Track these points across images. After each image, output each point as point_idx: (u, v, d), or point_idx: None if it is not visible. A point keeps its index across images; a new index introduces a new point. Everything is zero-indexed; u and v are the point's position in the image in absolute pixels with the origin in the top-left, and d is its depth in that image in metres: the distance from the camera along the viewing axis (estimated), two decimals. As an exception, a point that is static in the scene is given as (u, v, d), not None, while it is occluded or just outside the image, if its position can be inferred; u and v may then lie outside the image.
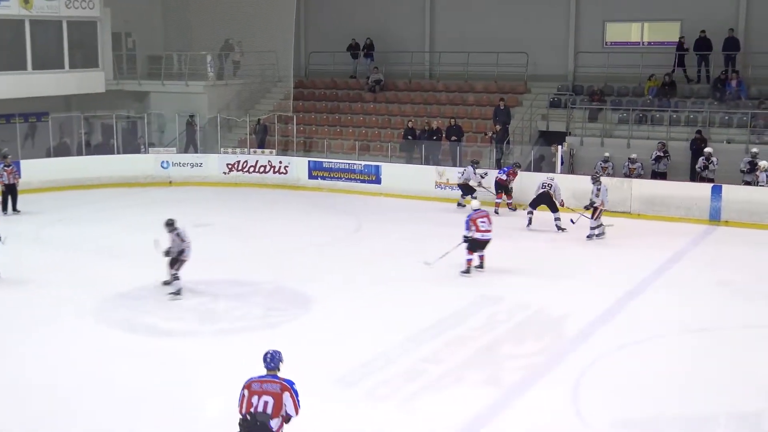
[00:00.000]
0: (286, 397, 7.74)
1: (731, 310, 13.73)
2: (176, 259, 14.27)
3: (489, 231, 15.61)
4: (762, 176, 20.40)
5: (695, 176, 21.93)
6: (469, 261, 15.68)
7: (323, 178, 25.57)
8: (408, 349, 11.70)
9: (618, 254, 17.57)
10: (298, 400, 7.82)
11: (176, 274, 14.24)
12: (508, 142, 24.97)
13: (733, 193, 20.54)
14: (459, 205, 22.30)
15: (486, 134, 25.64)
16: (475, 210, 15.89)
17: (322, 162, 25.83)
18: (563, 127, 25.21)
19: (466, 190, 22.03)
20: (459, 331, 12.42)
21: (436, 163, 24.75)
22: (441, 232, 19.10)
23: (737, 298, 14.45)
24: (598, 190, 18.74)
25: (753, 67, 24.82)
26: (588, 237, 18.66)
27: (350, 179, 24.97)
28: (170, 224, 14.29)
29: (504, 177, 21.92)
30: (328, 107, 29.77)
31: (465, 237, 15.65)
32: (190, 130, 27.85)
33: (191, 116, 27.86)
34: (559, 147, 23.15)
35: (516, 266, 16.42)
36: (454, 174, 23.47)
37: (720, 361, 11.49)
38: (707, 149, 21.81)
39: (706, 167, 21.52)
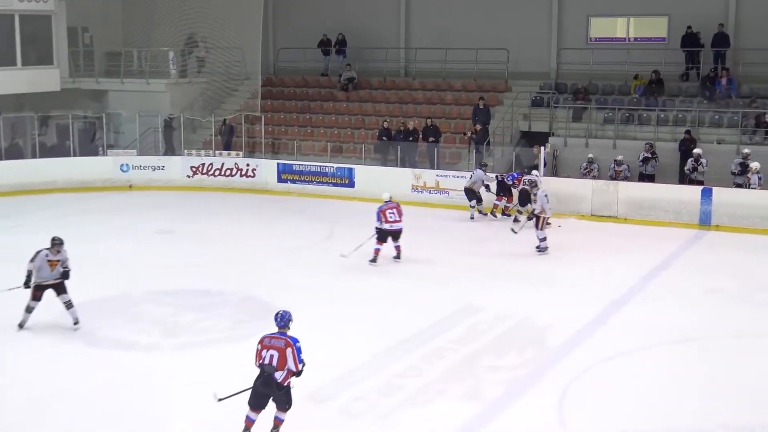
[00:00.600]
0: (289, 352, 9.14)
1: (722, 319, 13.84)
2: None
3: (397, 222, 17.29)
4: (753, 178, 20.59)
5: (684, 178, 22.10)
6: (377, 250, 17.22)
7: (293, 181, 25.53)
8: (384, 362, 11.70)
9: (604, 261, 17.66)
10: (299, 357, 9.17)
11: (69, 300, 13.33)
12: (488, 143, 25.05)
13: (723, 196, 20.72)
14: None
15: (465, 135, 25.71)
16: (386, 202, 17.60)
17: (291, 164, 25.79)
18: (546, 128, 25.34)
19: (471, 195, 21.72)
20: (438, 343, 12.44)
21: (413, 166, 24.80)
22: (418, 238, 19.15)
23: (729, 306, 14.58)
24: (535, 195, 18.36)
25: (744, 64, 25.06)
26: (537, 249, 18.09)
27: (322, 182, 24.98)
28: (59, 242, 13.15)
29: (511, 182, 21.79)
30: (298, 106, 29.74)
31: (376, 228, 17.21)
32: (168, 132, 27.73)
33: (170, 117, 27.77)
34: (542, 148, 23.24)
35: (498, 274, 16.49)
36: (431, 177, 23.54)
37: (711, 372, 11.57)
38: (696, 150, 21.98)
39: (695, 169, 21.70)
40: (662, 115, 24.43)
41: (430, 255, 17.93)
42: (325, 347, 12.28)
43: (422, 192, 23.68)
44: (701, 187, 21.09)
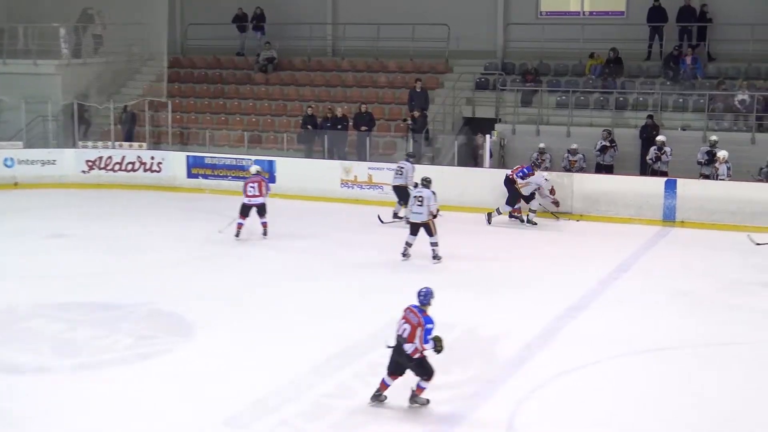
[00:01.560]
0: (418, 332, 10.43)
1: (691, 326, 14.03)
2: None
3: (255, 196, 19.30)
4: (722, 168, 20.95)
5: (646, 169, 22.42)
6: (239, 225, 19.34)
7: (205, 176, 25.38)
8: (311, 383, 11.64)
9: (558, 263, 17.83)
10: (426, 338, 10.36)
11: None
12: (427, 132, 25.14)
13: (689, 188, 21.07)
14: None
15: (403, 122, 25.77)
16: (253, 175, 19.65)
17: (203, 157, 25.62)
18: (492, 113, 25.58)
19: (402, 195, 20.78)
20: (372, 359, 12.40)
21: (342, 158, 24.80)
22: (350, 239, 19.14)
23: (697, 311, 14.80)
24: (417, 199, 17.43)
25: (712, 41, 25.51)
26: (434, 259, 17.70)
27: (238, 178, 24.80)
28: None
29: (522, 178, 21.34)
30: (210, 91, 29.57)
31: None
32: (127, 117, 27.36)
33: (126, 105, 27.49)
34: (487, 137, 23.43)
35: (438, 280, 16.51)
36: (363, 170, 23.54)
37: (680, 385, 11.72)
38: (660, 137, 22.32)
39: (658, 158, 22.04)
40: (621, 99, 24.79)
41: (360, 260, 17.93)
42: (242, 366, 12.20)
43: (353, 187, 23.69)
44: (665, 179, 21.42)
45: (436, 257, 17.48)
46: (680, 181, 21.15)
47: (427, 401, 10.71)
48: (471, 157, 24.58)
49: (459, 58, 27.85)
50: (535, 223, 21.02)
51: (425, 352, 10.48)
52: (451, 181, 22.03)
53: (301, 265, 17.57)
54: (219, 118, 28.19)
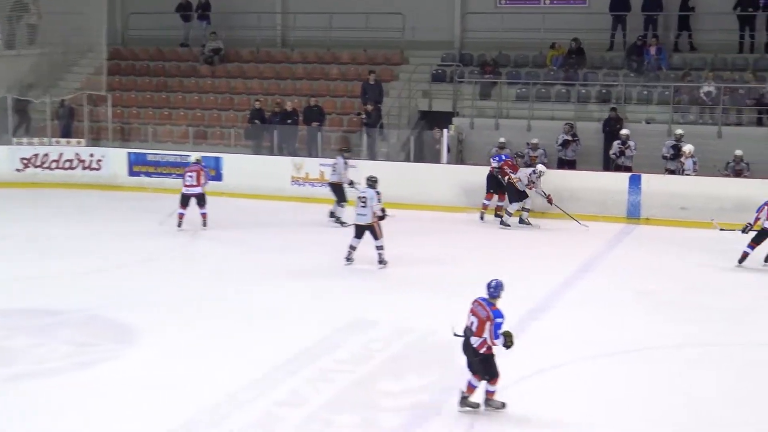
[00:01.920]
0: (488, 326, 10.48)
1: (657, 327, 14.15)
2: None
3: (193, 186, 20.16)
4: (688, 163, 21.18)
5: (609, 164, 22.59)
6: (180, 215, 20.18)
7: (148, 174, 25.25)
8: (261, 391, 11.61)
9: (518, 263, 17.91)
10: (497, 333, 10.41)
11: None
12: (381, 126, 25.17)
13: (654, 184, 21.27)
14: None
15: (356, 116, 25.78)
16: (192, 163, 20.81)
17: (145, 154, 25.51)
18: (449, 107, 25.63)
19: (337, 192, 21.15)
20: (324, 365, 12.40)
21: (292, 154, 24.75)
22: (300, 240, 19.11)
23: (663, 311, 14.93)
24: (361, 200, 17.20)
25: (680, 32, 25.76)
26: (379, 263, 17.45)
27: (182, 175, 24.67)
28: None
29: (496, 165, 21.56)
30: (152, 84, 29.41)
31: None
32: (65, 112, 27.19)
33: (64, 99, 27.24)
34: (444, 131, 23.48)
35: (394, 282, 16.56)
36: (314, 166, 23.53)
37: (648, 389, 11.78)
38: (624, 131, 22.50)
39: (622, 153, 22.22)
40: (583, 91, 24.96)
41: (311, 262, 17.93)
42: (189, 374, 12.14)
43: (304, 185, 23.67)
44: (629, 174, 21.60)
45: (381, 262, 17.25)
46: (645, 177, 21.36)
47: (503, 405, 10.75)
48: (427, 153, 24.61)
49: (415, 49, 27.91)
50: (530, 224, 21.14)
51: (494, 348, 10.58)
52: (406, 178, 22.13)
53: (248, 267, 17.52)
54: (162, 112, 28.03)
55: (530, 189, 20.97)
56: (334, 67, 28.53)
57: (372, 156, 24.55)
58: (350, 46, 28.59)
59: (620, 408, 11.09)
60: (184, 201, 20.28)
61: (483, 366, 10.65)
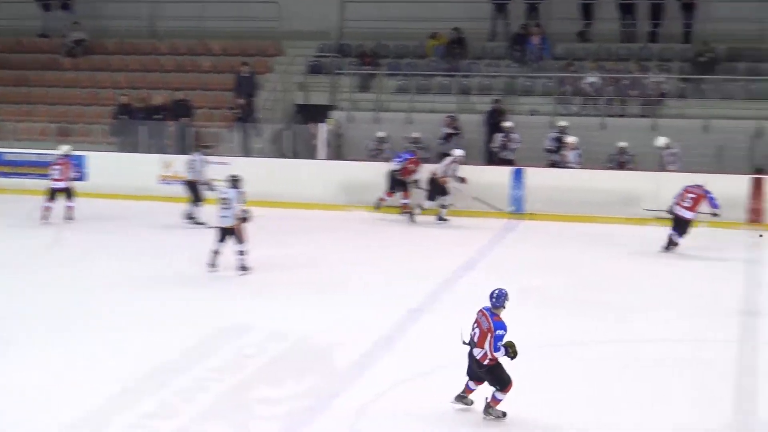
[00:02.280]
0: (488, 338, 10.55)
1: (542, 325, 14.32)
2: None
3: (59, 180, 20.88)
4: (571, 155, 21.53)
5: (492, 158, 22.83)
6: (45, 208, 20.70)
7: (5, 174, 24.76)
8: (125, 404, 11.45)
9: (398, 262, 18.02)
10: (496, 345, 10.47)
11: None
12: (255, 121, 25.06)
13: (538, 177, 21.57)
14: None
15: (228, 110, 25.63)
16: (59, 156, 21.28)
17: (3, 153, 24.99)
18: (326, 100, 25.63)
19: (193, 190, 20.95)
20: (194, 374, 12.31)
21: (161, 151, 24.49)
22: (168, 243, 18.93)
23: (549, 308, 15.15)
24: (223, 201, 16.77)
25: (556, 20, 26.17)
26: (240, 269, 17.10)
27: (44, 175, 24.19)
28: None
29: (398, 167, 21.55)
30: (10, 77, 28.89)
31: None
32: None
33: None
34: (321, 125, 23.47)
35: (267, 284, 16.49)
36: (184, 165, 23.31)
37: (536, 388, 11.95)
38: (507, 123, 22.74)
39: (505, 146, 22.47)
40: (465, 82, 25.20)
41: (180, 265, 17.81)
42: (46, 391, 11.91)
43: (173, 183, 23.43)
44: (512, 168, 21.86)
45: (243, 268, 16.81)
46: (528, 171, 21.65)
47: (504, 414, 10.75)
48: (303, 148, 24.58)
49: (291, 40, 27.86)
50: (447, 220, 21.22)
51: (500, 359, 10.60)
52: (280, 176, 22.05)
53: (110, 275, 17.20)
54: (21, 108, 27.52)
55: (446, 182, 21.10)
56: (205, 58, 28.33)
57: (246, 152, 24.41)
58: (223, 36, 28.42)
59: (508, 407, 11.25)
60: (51, 195, 20.86)
61: (490, 376, 10.72)
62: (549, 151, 22.24)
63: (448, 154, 22.17)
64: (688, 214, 18.26)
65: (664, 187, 20.16)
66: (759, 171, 21.29)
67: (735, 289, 16.20)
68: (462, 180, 21.17)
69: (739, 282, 16.73)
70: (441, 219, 21.22)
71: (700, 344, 13.48)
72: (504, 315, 12.14)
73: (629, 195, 20.94)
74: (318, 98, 26.03)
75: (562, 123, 22.47)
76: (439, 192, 21.13)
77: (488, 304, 10.87)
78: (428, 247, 19.26)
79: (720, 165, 21.69)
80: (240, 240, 16.75)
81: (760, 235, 20.13)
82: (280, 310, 15.06)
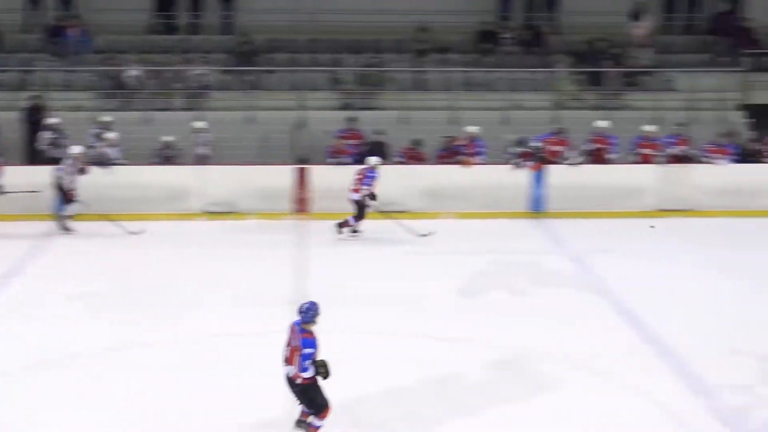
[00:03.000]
0: (296, 356, 9.94)
1: (89, 329, 14.38)
2: None
3: None
4: (111, 151, 21.40)
5: (36, 157, 22.22)
6: None
7: None
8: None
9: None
10: (302, 365, 9.86)
11: None
12: None
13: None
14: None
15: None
16: None
17: None
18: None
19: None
20: None
21: None
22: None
23: (102, 313, 15.15)
24: None
25: (95, 11, 25.95)
26: None
27: None
28: None
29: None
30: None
31: None
32: None
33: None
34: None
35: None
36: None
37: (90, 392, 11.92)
38: (52, 120, 22.17)
39: (54, 143, 21.79)
40: (2, 77, 24.48)
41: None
42: None
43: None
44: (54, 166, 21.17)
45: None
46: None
47: None
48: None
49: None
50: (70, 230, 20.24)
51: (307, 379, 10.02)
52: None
53: None
54: None
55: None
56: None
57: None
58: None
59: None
60: None
61: (304, 398, 10.24)
62: (92, 147, 21.85)
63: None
64: (354, 196, 19.53)
65: (210, 181, 20.78)
66: (302, 161, 22.21)
67: (284, 279, 16.93)
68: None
69: (288, 272, 17.50)
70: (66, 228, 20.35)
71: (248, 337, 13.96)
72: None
73: (176, 190, 21.24)
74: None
75: (106, 118, 22.24)
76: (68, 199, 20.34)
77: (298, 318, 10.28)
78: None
79: (265, 156, 22.49)
80: None
81: (651, 227, 21.14)
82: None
